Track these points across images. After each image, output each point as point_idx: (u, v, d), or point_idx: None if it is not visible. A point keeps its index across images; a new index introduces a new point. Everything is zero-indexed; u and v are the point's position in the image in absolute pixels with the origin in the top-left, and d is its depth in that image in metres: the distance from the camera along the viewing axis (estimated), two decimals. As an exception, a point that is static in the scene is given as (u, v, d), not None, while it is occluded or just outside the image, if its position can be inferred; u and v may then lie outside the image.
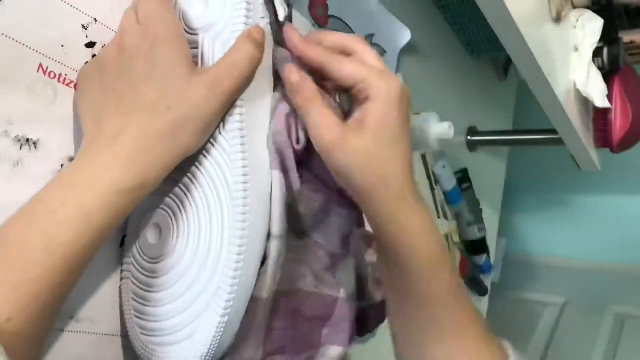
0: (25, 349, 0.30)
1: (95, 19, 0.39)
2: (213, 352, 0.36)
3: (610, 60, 0.77)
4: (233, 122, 0.37)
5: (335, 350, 0.44)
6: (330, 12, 0.61)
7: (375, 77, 0.36)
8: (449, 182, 0.91)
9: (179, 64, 0.35)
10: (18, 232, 0.31)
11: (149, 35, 0.35)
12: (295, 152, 0.39)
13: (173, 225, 0.38)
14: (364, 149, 0.35)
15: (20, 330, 0.29)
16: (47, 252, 0.30)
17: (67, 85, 0.38)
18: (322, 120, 0.36)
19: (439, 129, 0.61)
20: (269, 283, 0.38)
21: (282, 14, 0.39)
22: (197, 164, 0.37)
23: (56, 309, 0.32)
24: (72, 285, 0.33)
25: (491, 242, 1.11)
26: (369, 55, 0.38)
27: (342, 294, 0.44)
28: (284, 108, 0.39)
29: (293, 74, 0.38)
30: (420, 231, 0.37)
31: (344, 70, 0.37)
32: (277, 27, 0.39)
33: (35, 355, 0.32)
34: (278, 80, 0.39)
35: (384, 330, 0.72)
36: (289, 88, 0.38)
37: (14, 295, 0.29)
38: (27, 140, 0.36)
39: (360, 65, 0.37)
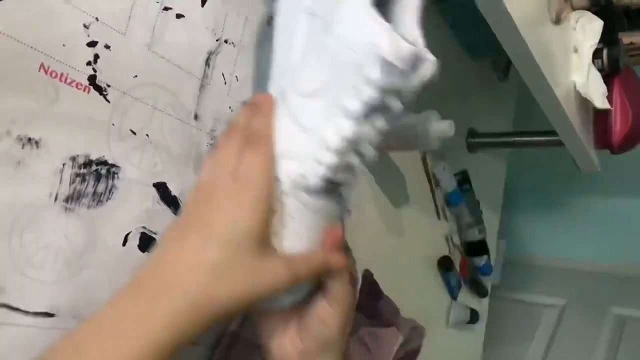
0: None
1: (96, 18, 0.40)
2: None
3: (610, 62, 0.77)
4: None
5: None
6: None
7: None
8: (449, 184, 0.91)
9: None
10: None
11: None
12: None
13: None
14: None
15: None
16: None
17: (69, 84, 0.38)
18: None
19: (440, 127, 0.61)
20: None
21: None
22: None
23: None
24: None
25: (491, 244, 1.11)
26: None
27: None
28: None
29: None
30: None
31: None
32: None
33: None
34: None
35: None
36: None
37: None
38: (29, 139, 0.36)
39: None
